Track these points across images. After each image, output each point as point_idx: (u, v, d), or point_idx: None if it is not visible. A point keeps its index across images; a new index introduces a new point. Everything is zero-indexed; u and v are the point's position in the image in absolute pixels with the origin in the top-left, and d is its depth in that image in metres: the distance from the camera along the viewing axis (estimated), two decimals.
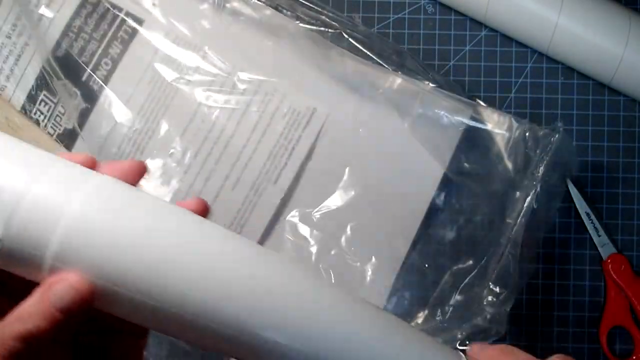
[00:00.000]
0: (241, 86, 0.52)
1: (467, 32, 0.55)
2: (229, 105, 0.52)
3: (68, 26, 0.53)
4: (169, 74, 0.52)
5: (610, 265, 0.54)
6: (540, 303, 0.55)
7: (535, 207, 0.50)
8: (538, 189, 0.50)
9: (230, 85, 0.52)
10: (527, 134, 0.51)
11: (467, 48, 0.55)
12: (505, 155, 0.52)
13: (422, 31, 0.55)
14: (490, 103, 0.54)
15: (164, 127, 0.52)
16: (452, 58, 0.55)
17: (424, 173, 0.52)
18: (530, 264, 0.51)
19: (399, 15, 0.55)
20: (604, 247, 0.54)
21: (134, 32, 0.53)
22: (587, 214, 0.54)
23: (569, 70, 0.55)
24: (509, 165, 0.52)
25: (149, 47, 0.53)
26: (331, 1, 0.55)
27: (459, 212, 0.53)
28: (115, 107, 0.52)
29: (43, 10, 0.53)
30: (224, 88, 0.52)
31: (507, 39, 0.55)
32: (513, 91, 0.55)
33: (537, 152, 0.51)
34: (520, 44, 0.55)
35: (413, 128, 0.52)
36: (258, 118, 0.52)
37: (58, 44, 0.53)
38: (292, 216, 0.52)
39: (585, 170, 0.55)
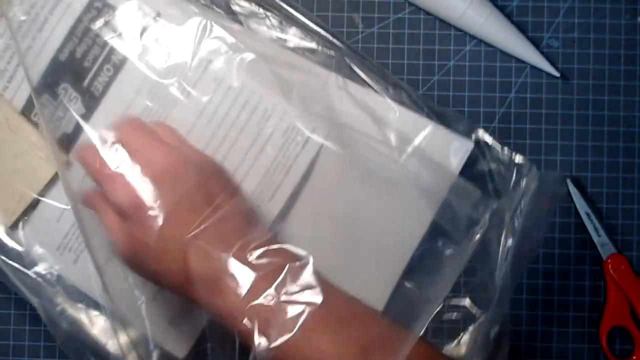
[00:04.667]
0: (242, 99, 0.52)
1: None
2: (229, 119, 0.52)
3: (74, 27, 0.53)
4: (170, 84, 0.52)
5: (610, 265, 0.54)
6: (540, 303, 0.55)
7: (513, 244, 0.49)
8: (516, 224, 0.50)
9: (232, 98, 0.52)
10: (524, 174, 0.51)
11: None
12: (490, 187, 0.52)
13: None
14: (476, 118, 0.54)
15: None
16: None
17: (411, 217, 0.52)
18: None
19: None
20: (604, 247, 0.54)
21: (138, 39, 0.53)
22: (587, 214, 0.54)
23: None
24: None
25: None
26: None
27: None
28: (114, 115, 0.52)
29: (51, 10, 0.53)
30: (224, 102, 0.52)
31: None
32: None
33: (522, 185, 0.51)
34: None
35: (407, 166, 0.51)
36: (256, 135, 0.52)
37: (62, 46, 0.53)
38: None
39: (585, 170, 0.55)
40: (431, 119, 0.52)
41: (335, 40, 0.53)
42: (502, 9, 0.55)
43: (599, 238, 0.54)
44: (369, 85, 0.52)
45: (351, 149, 0.52)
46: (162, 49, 0.52)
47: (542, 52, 0.54)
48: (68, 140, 0.52)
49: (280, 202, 0.52)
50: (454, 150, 0.51)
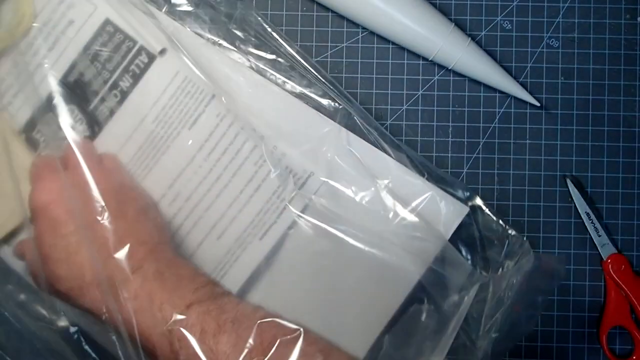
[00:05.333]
0: (242, 137, 0.52)
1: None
2: (229, 154, 0.52)
3: (85, 49, 0.53)
4: (174, 116, 0.52)
5: (610, 265, 0.54)
6: (540, 303, 0.55)
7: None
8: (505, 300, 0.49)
9: (233, 135, 0.52)
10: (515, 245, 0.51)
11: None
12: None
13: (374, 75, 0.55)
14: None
15: (161, 166, 0.52)
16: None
17: (398, 278, 0.51)
18: None
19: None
20: (604, 247, 0.54)
21: (145, 68, 0.52)
22: (587, 214, 0.54)
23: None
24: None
25: (159, 84, 0.52)
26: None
27: None
28: (116, 141, 0.52)
29: (62, 32, 0.53)
30: (226, 137, 0.52)
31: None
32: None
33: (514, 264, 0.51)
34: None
35: (400, 227, 0.51)
36: (254, 172, 0.52)
37: (72, 67, 0.53)
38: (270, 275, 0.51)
39: (585, 170, 0.55)
40: (429, 181, 0.51)
41: (335, 94, 0.52)
42: (503, 8, 0.55)
43: (599, 238, 0.54)
44: (371, 143, 0.52)
45: (343, 206, 0.51)
46: (166, 82, 0.52)
47: (522, 82, 0.54)
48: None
49: (273, 240, 0.51)
50: (449, 214, 0.51)
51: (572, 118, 0.55)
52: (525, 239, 0.52)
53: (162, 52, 0.52)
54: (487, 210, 0.52)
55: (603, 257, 0.54)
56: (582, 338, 0.55)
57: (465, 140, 0.55)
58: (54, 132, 0.51)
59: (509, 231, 0.52)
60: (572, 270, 0.55)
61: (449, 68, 0.54)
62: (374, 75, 0.55)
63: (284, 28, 0.55)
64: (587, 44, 0.55)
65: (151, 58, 0.53)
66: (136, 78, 0.53)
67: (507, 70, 0.54)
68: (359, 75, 0.55)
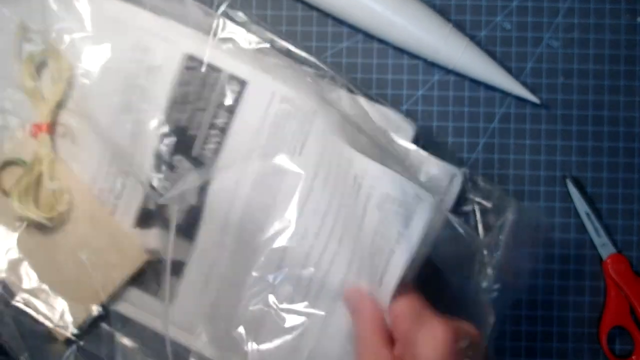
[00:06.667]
0: (352, 172, 0.45)
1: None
2: (338, 190, 0.46)
3: (173, 94, 0.49)
4: (279, 143, 0.47)
5: (610, 265, 0.54)
6: (540, 303, 0.55)
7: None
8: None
9: (346, 175, 0.45)
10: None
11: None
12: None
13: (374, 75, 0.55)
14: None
15: (279, 203, 0.47)
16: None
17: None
18: None
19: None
20: (604, 247, 0.54)
21: (238, 97, 0.49)
22: (587, 214, 0.54)
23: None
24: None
25: (257, 111, 0.48)
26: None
27: None
28: (230, 183, 0.48)
29: (145, 80, 0.49)
30: (334, 171, 0.46)
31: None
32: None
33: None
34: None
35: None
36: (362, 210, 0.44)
37: (167, 115, 0.49)
38: None
39: (585, 170, 0.55)
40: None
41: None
42: (503, 8, 0.55)
43: (599, 238, 0.54)
44: None
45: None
46: (263, 107, 0.49)
47: (522, 82, 0.54)
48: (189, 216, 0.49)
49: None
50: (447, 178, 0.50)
51: (572, 118, 0.55)
52: (510, 197, 0.52)
53: (251, 75, 0.48)
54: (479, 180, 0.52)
55: (603, 257, 0.54)
56: (582, 338, 0.55)
57: (465, 140, 0.55)
58: (171, 185, 0.48)
59: (497, 194, 0.51)
60: (572, 270, 0.55)
61: (449, 69, 0.54)
62: (374, 76, 0.55)
63: (283, 28, 0.55)
64: (587, 44, 0.55)
65: (242, 84, 0.49)
66: (231, 111, 0.49)
67: (507, 70, 0.54)
68: (358, 76, 0.55)
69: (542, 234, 0.53)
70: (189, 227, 0.49)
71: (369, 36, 0.55)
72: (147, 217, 0.51)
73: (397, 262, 0.42)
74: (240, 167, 0.48)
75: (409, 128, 0.51)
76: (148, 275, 0.51)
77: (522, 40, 0.55)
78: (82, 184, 0.50)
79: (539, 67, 0.55)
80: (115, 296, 0.50)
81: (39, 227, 0.50)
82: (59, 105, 0.50)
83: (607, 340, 0.54)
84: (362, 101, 0.51)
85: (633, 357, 0.54)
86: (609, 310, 0.54)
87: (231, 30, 0.50)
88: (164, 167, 0.49)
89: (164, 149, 0.49)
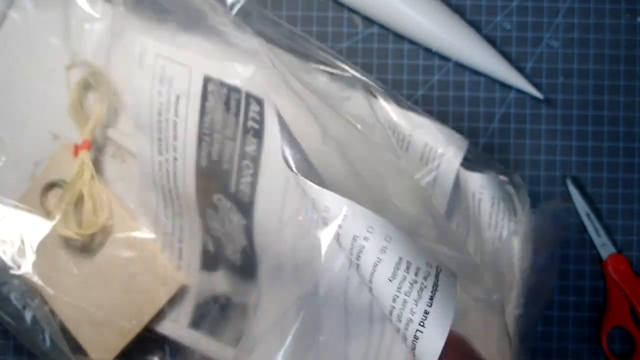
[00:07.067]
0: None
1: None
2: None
3: (200, 124, 0.42)
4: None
5: (610, 265, 0.54)
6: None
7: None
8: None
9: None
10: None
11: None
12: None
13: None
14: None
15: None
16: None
17: None
18: None
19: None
20: (604, 247, 0.54)
21: (261, 119, 0.40)
22: (587, 214, 0.54)
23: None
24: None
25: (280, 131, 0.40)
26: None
27: None
28: (272, 216, 0.41)
29: (172, 116, 0.42)
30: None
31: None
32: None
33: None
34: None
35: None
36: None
37: (199, 150, 0.42)
38: None
39: (585, 170, 0.55)
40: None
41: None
42: (503, 8, 0.55)
43: (599, 238, 0.54)
44: None
45: None
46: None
47: (525, 76, 0.54)
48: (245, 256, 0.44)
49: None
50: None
51: (572, 118, 0.55)
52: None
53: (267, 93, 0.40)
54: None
55: (603, 257, 0.54)
56: (582, 338, 0.55)
57: None
58: (217, 228, 0.44)
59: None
60: (572, 270, 0.55)
61: (453, 59, 0.54)
62: (373, 76, 0.55)
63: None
64: (587, 44, 0.55)
65: (260, 103, 0.40)
66: (259, 135, 0.41)
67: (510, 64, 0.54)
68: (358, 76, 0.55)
69: (565, 233, 0.53)
70: (247, 268, 0.44)
71: (368, 35, 0.55)
72: (210, 260, 0.46)
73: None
74: (279, 201, 0.41)
75: (463, 144, 0.51)
76: (213, 319, 0.47)
77: (522, 40, 0.55)
78: (122, 207, 0.48)
79: (539, 67, 0.55)
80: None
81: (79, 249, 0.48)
82: (103, 125, 0.49)
83: (607, 340, 0.54)
84: (390, 109, 0.50)
85: (633, 358, 0.54)
86: (609, 310, 0.54)
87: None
88: (208, 210, 0.44)
89: (202, 188, 0.43)
